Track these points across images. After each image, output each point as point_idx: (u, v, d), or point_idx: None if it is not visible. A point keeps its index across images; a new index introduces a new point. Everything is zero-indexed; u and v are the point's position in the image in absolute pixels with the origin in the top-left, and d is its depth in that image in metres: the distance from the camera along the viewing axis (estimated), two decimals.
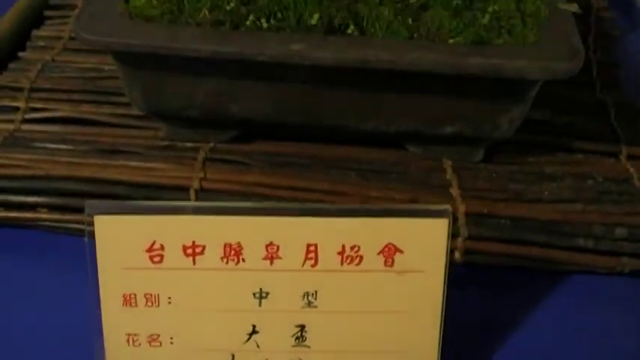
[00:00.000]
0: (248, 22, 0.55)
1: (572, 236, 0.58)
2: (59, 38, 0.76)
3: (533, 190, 0.60)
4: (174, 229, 0.45)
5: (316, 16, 0.55)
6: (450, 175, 0.61)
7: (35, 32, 0.77)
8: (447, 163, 0.62)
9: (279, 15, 0.56)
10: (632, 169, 0.63)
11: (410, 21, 0.56)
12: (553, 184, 0.61)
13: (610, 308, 0.57)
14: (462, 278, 0.55)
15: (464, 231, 0.57)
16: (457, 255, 0.57)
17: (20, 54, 0.74)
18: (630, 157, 0.65)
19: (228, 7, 0.56)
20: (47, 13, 0.80)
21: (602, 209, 0.59)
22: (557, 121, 0.67)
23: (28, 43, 0.76)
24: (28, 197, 0.59)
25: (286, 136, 0.64)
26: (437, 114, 0.59)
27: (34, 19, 0.79)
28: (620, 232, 0.58)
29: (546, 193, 0.60)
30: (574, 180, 0.62)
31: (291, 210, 0.45)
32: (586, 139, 0.66)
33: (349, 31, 0.55)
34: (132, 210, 0.45)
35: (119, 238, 0.45)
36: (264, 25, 0.55)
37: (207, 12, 0.56)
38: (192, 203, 0.54)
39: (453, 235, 0.55)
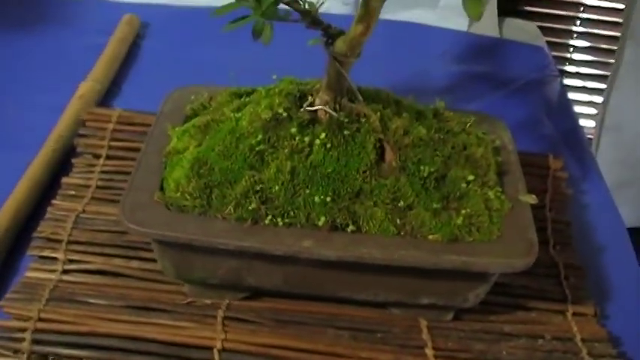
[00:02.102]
0: (267, 221, 0.72)
1: None
2: (87, 187, 0.91)
3: (494, 350, 0.78)
4: None
5: (323, 218, 0.72)
6: (425, 335, 0.78)
7: (65, 179, 0.91)
8: (423, 323, 0.80)
9: (291, 214, 0.73)
10: (575, 328, 0.81)
11: (398, 220, 0.73)
12: (510, 344, 0.79)
13: None
14: None
15: None
16: None
17: (54, 202, 0.89)
18: (575, 315, 0.83)
19: (250, 207, 0.72)
20: (74, 160, 0.94)
21: None
22: (515, 282, 0.84)
23: (60, 191, 0.90)
24: (76, 350, 0.74)
25: (291, 295, 0.81)
26: (416, 290, 0.76)
27: (63, 164, 0.94)
28: None
29: (504, 352, 0.78)
30: (527, 340, 0.79)
31: None
32: (539, 299, 0.84)
33: (348, 229, 0.73)
34: None
35: None
36: (280, 222, 0.72)
37: (232, 209, 0.72)
38: None
39: None
